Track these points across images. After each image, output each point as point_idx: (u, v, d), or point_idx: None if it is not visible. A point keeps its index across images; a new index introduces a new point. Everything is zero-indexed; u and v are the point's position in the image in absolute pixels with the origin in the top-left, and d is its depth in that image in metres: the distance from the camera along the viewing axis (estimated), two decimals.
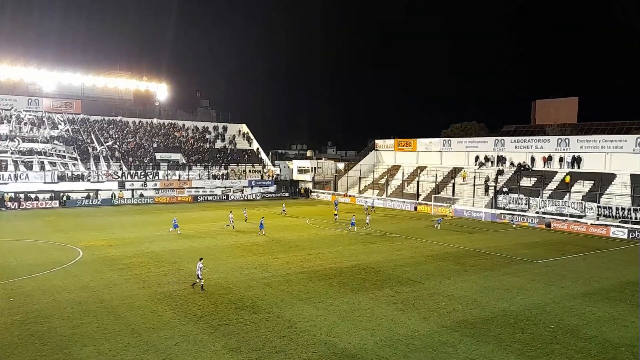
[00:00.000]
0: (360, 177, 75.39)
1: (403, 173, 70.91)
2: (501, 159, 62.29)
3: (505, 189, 56.09)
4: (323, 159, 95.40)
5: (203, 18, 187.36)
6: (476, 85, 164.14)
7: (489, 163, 63.45)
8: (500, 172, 60.33)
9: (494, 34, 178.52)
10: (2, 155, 61.03)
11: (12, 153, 62.03)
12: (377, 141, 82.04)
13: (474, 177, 61.01)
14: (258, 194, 74.95)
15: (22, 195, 58.17)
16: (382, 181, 71.68)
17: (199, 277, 23.64)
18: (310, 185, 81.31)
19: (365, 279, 26.16)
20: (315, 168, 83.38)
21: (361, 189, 72.79)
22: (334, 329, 18.76)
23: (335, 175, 79.75)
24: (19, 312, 19.94)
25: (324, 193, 76.60)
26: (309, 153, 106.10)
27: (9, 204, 56.65)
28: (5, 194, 57.17)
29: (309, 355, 16.31)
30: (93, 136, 72.26)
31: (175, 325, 18.86)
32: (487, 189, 58.35)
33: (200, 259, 24.57)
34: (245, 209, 46.94)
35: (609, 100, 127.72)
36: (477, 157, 65.03)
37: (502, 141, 64.02)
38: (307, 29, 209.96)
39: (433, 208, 58.46)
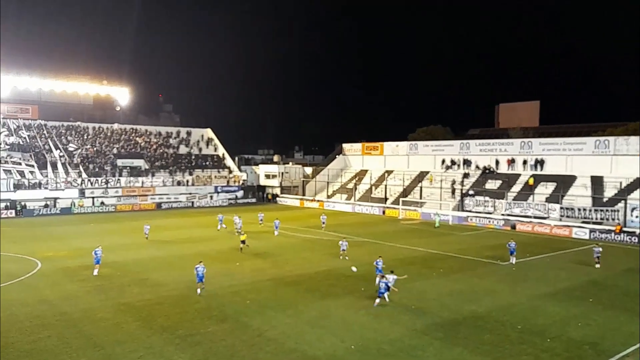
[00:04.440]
0: (328, 182, 75.36)
1: (371, 177, 71.25)
2: (467, 162, 63.28)
3: (471, 192, 56.96)
4: (290, 163, 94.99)
5: (166, 20, 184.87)
6: (441, 89, 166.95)
7: (455, 166, 64.38)
8: (466, 175, 61.26)
9: (459, 38, 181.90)
10: None
11: None
12: (344, 145, 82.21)
13: (441, 180, 61.79)
14: (225, 200, 73.96)
15: None
16: (350, 185, 71.83)
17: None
18: (277, 191, 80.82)
19: (335, 285, 25.98)
20: (282, 173, 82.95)
21: (329, 194, 72.75)
22: (304, 336, 18.51)
23: (303, 180, 79.51)
24: None
25: (291, 198, 76.23)
26: (275, 158, 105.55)
27: None
28: None
29: None
30: (51, 142, 70.00)
31: (139, 337, 18.26)
32: (453, 192, 59.16)
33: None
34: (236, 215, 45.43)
35: (569, 103, 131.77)
36: (443, 161, 65.89)
37: (468, 144, 65.07)
38: (272, 32, 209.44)
39: (401, 211, 58.89)
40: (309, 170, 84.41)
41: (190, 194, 71.64)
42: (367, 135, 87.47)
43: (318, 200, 71.43)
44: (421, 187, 62.79)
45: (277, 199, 78.81)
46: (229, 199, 74.56)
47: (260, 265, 30.94)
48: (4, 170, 60.71)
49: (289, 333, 18.76)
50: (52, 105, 78.19)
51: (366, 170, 74.51)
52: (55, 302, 22.61)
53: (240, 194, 76.73)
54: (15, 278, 26.97)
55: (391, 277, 23.15)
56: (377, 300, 22.30)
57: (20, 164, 62.82)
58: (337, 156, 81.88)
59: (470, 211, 54.23)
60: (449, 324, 19.93)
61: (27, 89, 75.89)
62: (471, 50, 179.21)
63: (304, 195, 75.93)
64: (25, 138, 68.43)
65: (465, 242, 41.49)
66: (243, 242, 35.20)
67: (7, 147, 64.62)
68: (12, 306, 21.73)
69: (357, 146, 79.74)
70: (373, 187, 68.54)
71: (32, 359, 16.21)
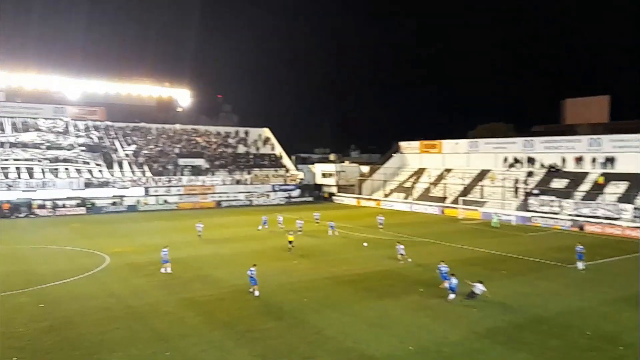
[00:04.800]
0: (384, 181, 74.70)
1: (429, 176, 70.01)
2: (531, 160, 61.03)
3: (535, 191, 54.83)
4: (347, 162, 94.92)
5: (225, 22, 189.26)
6: (503, 84, 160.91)
7: (518, 164, 62.20)
8: (530, 174, 59.06)
9: (520, 32, 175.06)
10: (30, 163, 62.32)
11: (39, 161, 63.26)
12: (401, 143, 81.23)
13: (503, 179, 59.88)
14: (282, 199, 74.86)
15: (49, 203, 59.18)
16: (408, 184, 70.88)
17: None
18: (334, 189, 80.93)
19: (393, 285, 25.66)
20: (338, 172, 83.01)
21: (386, 193, 72.08)
22: (362, 335, 18.37)
23: (360, 179, 79.22)
24: (49, 318, 20.15)
25: (348, 197, 76.12)
26: (332, 156, 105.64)
27: (37, 211, 57.70)
28: (33, 201, 58.28)
29: None
30: (117, 143, 73.32)
31: (202, 331, 18.76)
32: (516, 191, 57.17)
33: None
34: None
35: None
36: (505, 159, 63.85)
37: (532, 142, 62.70)
38: (328, 31, 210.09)
39: (461, 211, 57.51)
40: (365, 168, 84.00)
41: (248, 192, 73.03)
42: (425, 133, 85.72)
43: (375, 199, 70.97)
44: (482, 186, 61.08)
45: (334, 197, 78.92)
46: (286, 198, 75.38)
47: (317, 263, 31.04)
48: (75, 169, 64.22)
49: (346, 332, 18.68)
50: (118, 107, 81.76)
51: (424, 169, 73.31)
52: (122, 295, 23.61)
53: (295, 192, 77.39)
54: (86, 272, 28.42)
55: (479, 287, 22.63)
56: (452, 296, 22.45)
57: (89, 163, 66.21)
58: (394, 155, 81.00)
59: (534, 211, 52.17)
60: (512, 328, 19.22)
61: (95, 92, 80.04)
62: (535, 43, 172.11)
63: (360, 194, 75.63)
64: (93, 138, 72.00)
65: (530, 243, 39.99)
66: (291, 242, 35.11)
67: (79, 147, 68.25)
68: (83, 299, 22.89)
69: (415, 144, 78.58)
70: (431, 186, 67.32)
71: (103, 350, 16.93)
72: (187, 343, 17.55)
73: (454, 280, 22.88)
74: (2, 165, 60.76)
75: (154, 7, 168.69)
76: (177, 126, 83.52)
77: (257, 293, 23.36)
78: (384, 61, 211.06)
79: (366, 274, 28.05)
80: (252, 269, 23.74)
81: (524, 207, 53.84)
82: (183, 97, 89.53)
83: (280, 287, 25.09)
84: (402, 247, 31.85)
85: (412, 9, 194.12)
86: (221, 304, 22.26)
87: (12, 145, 64.58)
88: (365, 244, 37.15)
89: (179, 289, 24.68)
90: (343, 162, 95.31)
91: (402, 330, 18.95)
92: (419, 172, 73.34)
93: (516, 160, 62.70)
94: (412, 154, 78.62)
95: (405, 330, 18.87)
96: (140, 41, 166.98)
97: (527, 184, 57.41)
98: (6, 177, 59.34)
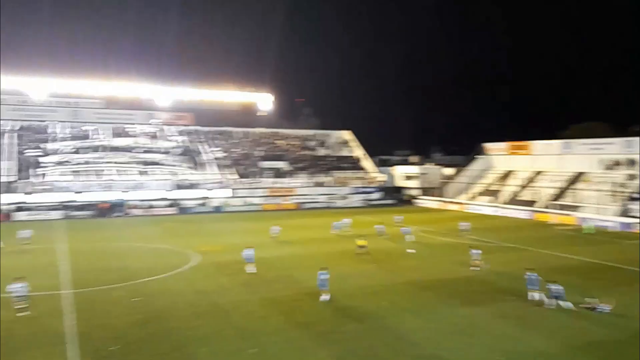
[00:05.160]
0: (469, 184, 72.10)
1: (517, 178, 66.73)
2: (632, 162, 56.40)
3: (637, 195, 50.55)
4: (429, 164, 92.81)
5: (306, 26, 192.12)
6: (599, 81, 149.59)
7: (617, 166, 57.72)
8: (630, 177, 54.58)
9: (615, 21, 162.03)
10: (125, 165, 66.55)
11: (133, 164, 67.39)
12: (486, 145, 78.10)
13: (600, 182, 55.77)
14: (362, 202, 74.40)
15: (142, 203, 62.79)
16: (494, 187, 67.97)
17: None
18: (416, 192, 79.31)
19: (478, 292, 24.49)
20: (421, 174, 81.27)
21: (471, 196, 69.57)
22: (446, 343, 17.63)
23: (443, 182, 77.06)
24: (141, 312, 21.17)
25: (430, 200, 74.30)
26: (414, 158, 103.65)
27: (131, 210, 61.42)
28: (128, 202, 62.12)
29: None
30: (205, 146, 76.49)
31: (282, 330, 18.89)
32: (615, 195, 53.04)
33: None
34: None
35: None
36: (603, 160, 59.49)
37: (632, 142, 57.93)
38: (408, 32, 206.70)
39: (553, 216, 54.15)
40: (448, 171, 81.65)
41: (329, 194, 73.34)
42: (511, 134, 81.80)
43: (458, 203, 68.71)
44: (576, 190, 57.26)
45: (416, 200, 77.34)
46: (365, 201, 74.84)
47: (397, 267, 30.40)
48: (167, 171, 67.80)
49: (430, 338, 18.04)
50: (205, 112, 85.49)
51: (511, 171, 70.00)
52: (208, 293, 24.34)
53: (376, 195, 76.58)
54: (175, 269, 29.70)
55: (606, 309, 21.32)
56: (569, 304, 21.35)
57: (179, 166, 69.59)
58: (478, 156, 78.06)
59: (636, 217, 48.04)
60: (612, 343, 17.70)
61: (184, 98, 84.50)
62: (636, 34, 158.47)
63: (443, 197, 73.55)
64: (183, 142, 75.66)
65: (631, 251, 36.72)
66: (362, 247, 34.09)
67: (170, 150, 72.06)
68: (172, 295, 23.89)
69: (502, 145, 75.28)
70: (520, 189, 64.08)
71: (190, 344, 17.50)
72: (268, 341, 17.73)
73: (559, 288, 21.46)
74: (100, 168, 65.46)
75: (238, 12, 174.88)
76: (260, 130, 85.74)
77: (327, 297, 22.70)
78: (467, 58, 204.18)
79: (449, 280, 27.00)
80: (322, 272, 23.18)
81: (623, 212, 49.78)
82: (265, 101, 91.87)
83: (359, 289, 24.76)
84: (477, 252, 29.77)
85: (499, 3, 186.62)
86: (301, 304, 22.34)
87: (111, 149, 69.43)
88: (411, 251, 35.20)
89: (261, 288, 25.09)
90: (425, 164, 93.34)
91: (490, 339, 17.97)
92: (506, 175, 70.13)
93: (615, 162, 58.22)
94: (498, 155, 75.38)
95: (494, 340, 17.87)
96: (226, 46, 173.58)
97: (627, 188, 53.10)
98: (104, 179, 63.78)
